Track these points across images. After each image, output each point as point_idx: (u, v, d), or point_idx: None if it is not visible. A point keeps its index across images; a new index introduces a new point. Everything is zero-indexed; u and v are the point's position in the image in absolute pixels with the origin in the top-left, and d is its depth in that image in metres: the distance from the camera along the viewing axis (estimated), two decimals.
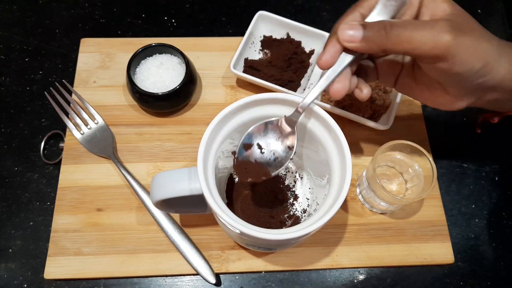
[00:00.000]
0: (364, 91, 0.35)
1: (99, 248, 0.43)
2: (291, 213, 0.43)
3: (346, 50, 0.32)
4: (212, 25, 0.58)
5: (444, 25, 0.30)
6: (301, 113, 0.35)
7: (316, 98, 0.34)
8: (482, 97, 0.34)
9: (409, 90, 0.38)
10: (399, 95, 0.48)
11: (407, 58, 0.37)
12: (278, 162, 0.36)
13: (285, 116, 0.36)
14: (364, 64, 0.38)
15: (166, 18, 0.58)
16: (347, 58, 0.33)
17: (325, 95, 0.50)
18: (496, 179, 0.49)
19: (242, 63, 0.51)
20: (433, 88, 0.35)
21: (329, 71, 0.33)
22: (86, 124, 0.48)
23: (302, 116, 0.37)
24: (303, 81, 0.51)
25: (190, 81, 0.49)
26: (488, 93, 0.34)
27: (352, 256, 0.43)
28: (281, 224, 0.42)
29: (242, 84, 0.52)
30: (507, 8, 0.60)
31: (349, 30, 0.31)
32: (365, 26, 0.31)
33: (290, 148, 0.36)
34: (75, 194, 0.45)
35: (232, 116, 0.37)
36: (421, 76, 0.35)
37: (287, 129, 0.36)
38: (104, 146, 0.47)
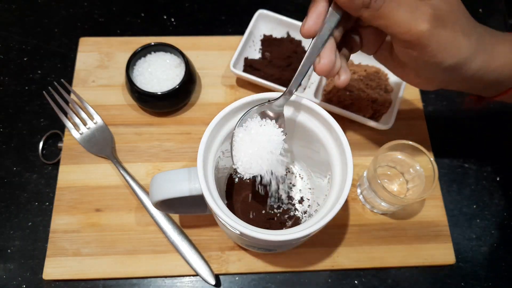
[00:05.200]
0: (342, 77, 0.33)
1: (98, 249, 0.43)
2: (292, 213, 0.43)
3: (331, 12, 0.30)
4: (212, 24, 0.58)
5: (425, 12, 0.29)
6: (289, 96, 0.34)
7: (304, 77, 0.33)
8: (453, 86, 0.35)
9: (386, 62, 0.37)
10: (400, 94, 0.47)
11: None
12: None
13: (269, 101, 0.34)
14: (348, 36, 0.36)
15: (165, 17, 0.58)
16: (332, 20, 0.30)
17: (325, 94, 0.49)
18: (498, 179, 0.49)
19: (242, 63, 0.51)
20: (406, 67, 0.35)
21: (314, 41, 0.31)
22: (85, 124, 0.48)
23: (302, 115, 0.37)
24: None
25: (190, 80, 0.48)
26: (457, 83, 0.34)
27: (353, 257, 0.43)
28: (281, 225, 0.42)
29: (242, 83, 0.52)
30: (508, 8, 0.60)
31: None
32: None
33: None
34: (73, 194, 0.45)
35: (232, 116, 0.36)
36: (396, 53, 0.34)
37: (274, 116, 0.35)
38: (103, 146, 0.47)
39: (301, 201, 0.43)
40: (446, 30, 0.29)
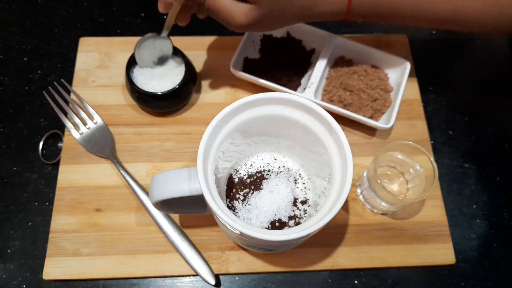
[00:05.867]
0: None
1: (98, 249, 0.43)
2: (292, 213, 0.43)
3: None
4: (212, 24, 0.57)
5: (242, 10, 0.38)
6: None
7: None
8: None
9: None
10: (400, 94, 0.47)
11: None
12: None
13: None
14: None
15: (165, 17, 0.58)
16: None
17: (325, 94, 0.49)
18: (497, 179, 0.49)
19: (242, 63, 0.51)
20: None
21: None
22: (85, 124, 0.48)
23: (302, 115, 0.37)
24: (303, 81, 0.51)
25: (190, 80, 0.48)
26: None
27: (352, 257, 0.43)
28: (281, 225, 0.42)
29: (242, 83, 0.52)
30: None
31: None
32: None
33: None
34: (73, 194, 0.45)
35: (232, 116, 0.36)
36: None
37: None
38: (103, 146, 0.47)
39: (301, 201, 0.43)
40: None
